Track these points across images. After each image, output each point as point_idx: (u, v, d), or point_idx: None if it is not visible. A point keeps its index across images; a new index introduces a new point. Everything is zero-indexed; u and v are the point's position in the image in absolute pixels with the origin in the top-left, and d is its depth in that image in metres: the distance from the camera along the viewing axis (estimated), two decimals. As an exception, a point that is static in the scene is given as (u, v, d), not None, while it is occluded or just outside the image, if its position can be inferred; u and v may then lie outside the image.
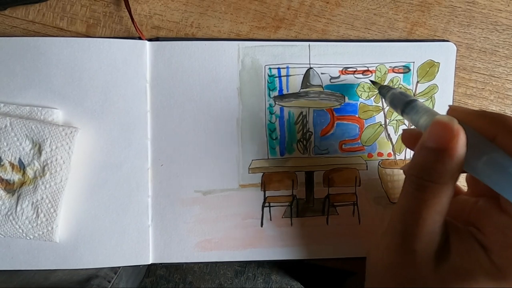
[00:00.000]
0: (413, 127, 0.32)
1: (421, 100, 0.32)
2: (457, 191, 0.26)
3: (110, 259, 0.30)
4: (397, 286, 0.22)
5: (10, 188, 0.29)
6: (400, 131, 0.32)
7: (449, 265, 0.21)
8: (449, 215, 0.23)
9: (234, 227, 0.31)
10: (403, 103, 0.26)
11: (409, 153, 0.32)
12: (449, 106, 0.24)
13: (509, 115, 0.32)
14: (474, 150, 0.20)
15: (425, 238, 0.21)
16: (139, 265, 0.31)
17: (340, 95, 0.32)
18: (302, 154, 0.32)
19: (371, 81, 0.31)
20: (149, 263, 0.31)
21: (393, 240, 0.22)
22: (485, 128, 0.21)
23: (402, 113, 0.26)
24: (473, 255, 0.20)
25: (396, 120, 0.32)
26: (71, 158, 0.29)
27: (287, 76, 0.31)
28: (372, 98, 0.32)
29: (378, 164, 0.32)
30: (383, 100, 0.31)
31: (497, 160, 0.19)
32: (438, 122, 0.21)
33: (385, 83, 0.32)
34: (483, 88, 0.33)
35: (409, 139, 0.26)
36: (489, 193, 0.22)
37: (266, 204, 0.32)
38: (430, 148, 0.21)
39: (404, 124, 0.32)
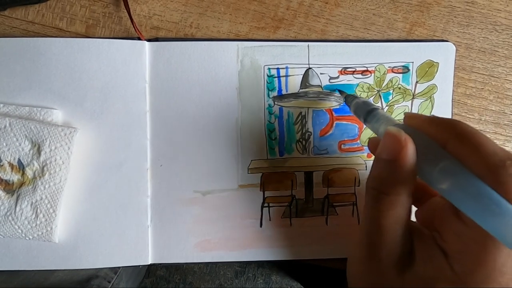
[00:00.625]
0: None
1: (420, 100, 0.32)
2: (433, 193, 0.25)
3: (110, 259, 0.30)
4: None
5: (10, 188, 0.29)
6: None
7: (413, 272, 0.21)
8: (422, 218, 0.24)
9: (233, 227, 0.31)
10: (365, 111, 0.26)
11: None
12: (405, 114, 0.24)
13: (509, 114, 0.32)
14: (428, 158, 0.20)
15: (388, 247, 0.21)
16: (139, 265, 0.31)
17: (339, 95, 0.32)
18: (301, 154, 0.32)
19: (338, 90, 0.31)
20: (149, 263, 0.31)
21: (361, 250, 0.23)
22: (437, 135, 0.20)
23: (365, 121, 0.26)
24: (436, 262, 0.20)
25: (395, 120, 0.32)
26: (71, 159, 0.29)
27: (286, 76, 0.31)
28: (371, 99, 0.32)
29: (378, 164, 0.32)
30: (349, 109, 0.30)
31: (447, 168, 0.18)
32: (388, 133, 0.21)
33: (385, 83, 0.32)
34: (483, 88, 0.33)
35: (374, 148, 0.25)
36: None
37: (265, 205, 0.32)
38: (383, 160, 0.21)
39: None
